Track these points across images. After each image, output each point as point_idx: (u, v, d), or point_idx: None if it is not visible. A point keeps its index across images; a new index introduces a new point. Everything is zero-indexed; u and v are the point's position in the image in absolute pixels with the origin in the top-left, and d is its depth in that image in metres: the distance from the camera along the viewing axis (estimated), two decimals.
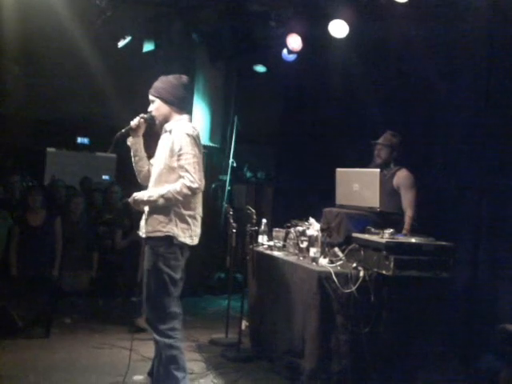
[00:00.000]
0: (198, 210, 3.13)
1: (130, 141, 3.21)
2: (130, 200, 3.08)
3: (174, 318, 3.05)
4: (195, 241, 3.13)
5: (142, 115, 3.17)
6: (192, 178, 2.92)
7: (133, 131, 3.17)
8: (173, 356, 3.00)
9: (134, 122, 3.16)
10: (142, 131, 3.20)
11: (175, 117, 3.14)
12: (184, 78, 3.21)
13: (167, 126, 3.13)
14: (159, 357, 3.05)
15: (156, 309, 3.04)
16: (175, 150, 2.99)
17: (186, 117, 3.18)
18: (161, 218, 3.02)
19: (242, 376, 3.71)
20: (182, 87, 3.16)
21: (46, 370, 3.70)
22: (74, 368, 3.76)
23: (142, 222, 3.13)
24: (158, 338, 3.02)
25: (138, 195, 3.05)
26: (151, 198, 2.99)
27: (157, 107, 3.15)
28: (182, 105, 3.18)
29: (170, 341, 3.00)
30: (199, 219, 3.15)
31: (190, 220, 3.05)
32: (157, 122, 3.17)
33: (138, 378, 3.48)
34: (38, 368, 3.73)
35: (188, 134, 3.00)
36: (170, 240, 3.00)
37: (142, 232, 3.13)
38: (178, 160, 2.97)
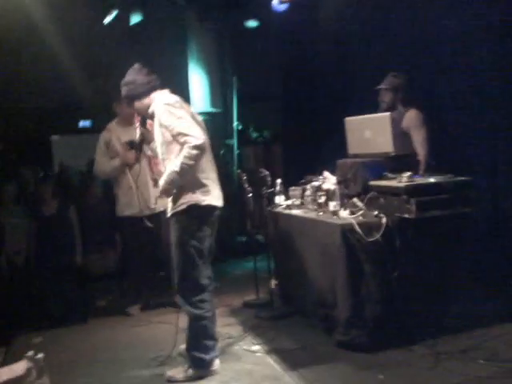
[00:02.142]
0: (210, 174, 3.19)
1: (148, 149, 3.58)
2: (159, 195, 3.17)
3: (204, 290, 3.15)
4: (220, 202, 3.21)
5: (137, 127, 3.44)
6: (191, 137, 2.97)
7: (144, 141, 3.48)
8: (202, 326, 3.13)
9: (137, 137, 3.49)
10: (151, 135, 3.32)
11: (153, 99, 3.23)
12: (134, 66, 3.30)
13: (150, 110, 3.24)
14: (189, 327, 3.17)
15: (185, 281, 3.13)
16: (163, 124, 3.08)
17: (159, 92, 3.25)
18: (179, 190, 3.08)
19: (279, 333, 3.78)
20: (139, 74, 3.25)
21: (88, 351, 3.83)
22: (116, 346, 3.89)
23: (170, 204, 3.18)
24: (188, 309, 3.14)
25: (161, 184, 3.09)
26: (171, 179, 3.03)
27: (137, 108, 3.29)
28: (150, 86, 3.25)
29: (199, 311, 3.12)
30: (215, 181, 3.23)
31: (206, 182, 3.13)
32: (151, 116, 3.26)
33: (183, 346, 3.52)
34: (80, 350, 3.85)
35: (165, 104, 3.10)
36: (192, 210, 3.06)
37: (168, 211, 3.20)
38: (171, 131, 3.04)
